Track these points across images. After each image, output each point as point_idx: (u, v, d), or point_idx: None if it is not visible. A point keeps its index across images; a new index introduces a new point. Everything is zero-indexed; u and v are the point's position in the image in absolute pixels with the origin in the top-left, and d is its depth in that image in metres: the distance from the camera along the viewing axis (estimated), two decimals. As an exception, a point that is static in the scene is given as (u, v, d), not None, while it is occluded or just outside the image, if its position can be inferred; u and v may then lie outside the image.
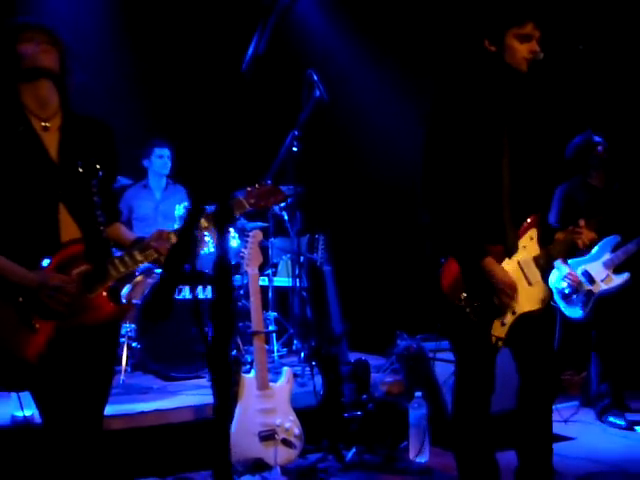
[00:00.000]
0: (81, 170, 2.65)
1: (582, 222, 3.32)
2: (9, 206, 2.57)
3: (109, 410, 2.81)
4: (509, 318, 3.10)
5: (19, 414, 3.75)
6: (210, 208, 2.62)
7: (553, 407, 3.31)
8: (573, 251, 4.77)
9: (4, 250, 2.54)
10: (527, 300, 3.14)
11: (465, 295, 3.04)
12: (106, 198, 2.75)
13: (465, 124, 3.07)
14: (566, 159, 5.10)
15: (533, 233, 3.21)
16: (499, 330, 3.09)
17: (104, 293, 2.63)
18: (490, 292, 3.06)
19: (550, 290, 3.39)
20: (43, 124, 2.66)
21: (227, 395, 1.38)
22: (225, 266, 1.42)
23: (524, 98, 3.22)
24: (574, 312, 4.86)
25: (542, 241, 3.23)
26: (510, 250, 3.14)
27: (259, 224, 5.74)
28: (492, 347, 3.10)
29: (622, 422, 4.82)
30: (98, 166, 2.69)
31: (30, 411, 3.65)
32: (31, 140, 2.62)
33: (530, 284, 3.16)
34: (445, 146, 3.08)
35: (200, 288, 5.08)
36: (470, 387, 3.17)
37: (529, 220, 3.19)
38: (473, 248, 3.06)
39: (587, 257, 4.89)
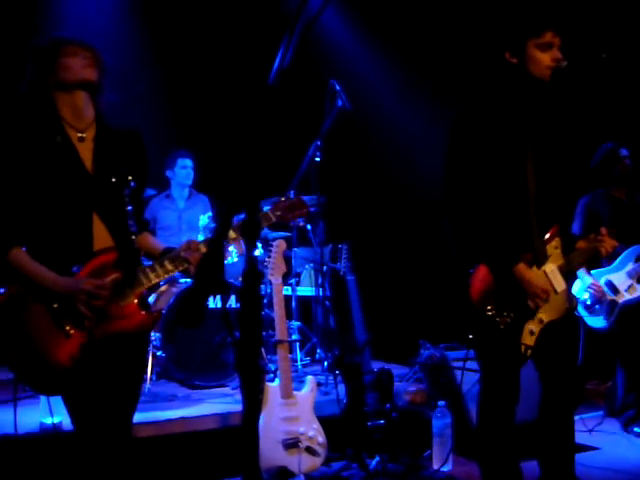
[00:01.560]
0: (114, 180, 2.71)
1: (604, 230, 3.33)
2: (45, 214, 2.63)
3: (136, 417, 2.83)
4: (538, 327, 3.11)
5: (48, 421, 3.80)
6: (237, 219, 2.68)
7: (578, 417, 3.31)
8: (596, 262, 4.79)
9: (37, 256, 2.61)
10: (554, 309, 3.15)
11: (494, 305, 3.06)
12: (137, 208, 2.82)
13: (489, 134, 3.09)
14: (591, 169, 5.08)
15: (557, 242, 3.22)
16: (529, 339, 3.10)
17: (135, 301, 2.67)
18: (521, 299, 3.07)
19: (575, 298, 3.39)
20: (79, 135, 2.73)
21: (257, 402, 1.42)
22: (254, 275, 1.46)
23: (548, 107, 3.23)
24: (597, 322, 4.85)
25: (565, 250, 3.24)
26: (540, 259, 3.15)
27: (282, 234, 5.77)
28: (521, 356, 3.11)
29: (647, 433, 4.80)
30: (130, 177, 2.75)
31: (59, 418, 3.71)
32: (67, 150, 2.69)
33: (556, 293, 3.16)
34: (469, 156, 3.09)
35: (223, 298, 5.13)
36: (496, 397, 3.17)
37: (552, 229, 3.20)
38: (505, 254, 3.07)
39: (610, 267, 4.88)
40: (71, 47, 2.69)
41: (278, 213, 2.94)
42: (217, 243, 1.59)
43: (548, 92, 3.17)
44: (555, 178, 3.21)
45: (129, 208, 2.72)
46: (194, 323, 1.48)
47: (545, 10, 3.12)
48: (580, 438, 3.37)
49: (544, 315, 3.12)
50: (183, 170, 6.04)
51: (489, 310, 3.05)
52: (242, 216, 1.67)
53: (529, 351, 3.09)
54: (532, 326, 3.10)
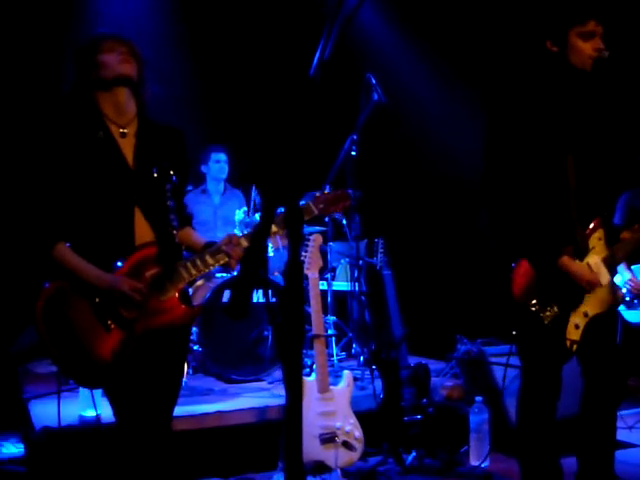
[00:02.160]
0: (156, 175, 2.73)
1: (637, 227, 3.29)
2: (88, 209, 2.66)
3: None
4: (583, 320, 3.07)
5: (87, 414, 3.85)
6: (279, 212, 2.67)
7: (618, 413, 3.27)
8: (638, 257, 4.70)
9: (81, 251, 2.64)
10: (599, 302, 3.12)
11: (538, 300, 3.02)
12: (179, 203, 2.84)
13: (528, 126, 3.06)
14: (638, 163, 4.99)
15: (600, 234, 3.17)
16: (574, 333, 3.06)
17: (176, 295, 2.69)
18: (565, 293, 3.04)
19: (620, 291, 3.35)
20: (121, 130, 2.75)
21: (299, 394, 1.42)
22: (298, 268, 1.46)
23: (589, 98, 3.18)
24: (635, 316, 4.78)
25: (609, 242, 3.19)
26: (581, 251, 3.11)
27: (317, 228, 5.77)
28: (566, 352, 3.07)
29: (688, 430, 4.72)
30: (172, 172, 2.76)
31: (99, 410, 3.75)
32: (109, 146, 2.71)
33: (601, 285, 3.12)
34: (508, 148, 3.06)
35: (261, 292, 5.14)
36: (538, 393, 3.15)
37: (595, 221, 3.16)
38: (548, 248, 3.04)
39: (652, 264, 4.81)
40: (108, 43, 2.71)
41: (321, 206, 2.93)
42: (261, 237, 1.59)
43: (589, 82, 3.12)
44: (596, 170, 3.17)
45: (171, 203, 2.74)
46: (240, 315, 1.49)
47: None
48: (619, 435, 3.32)
49: (589, 308, 3.09)
50: (217, 164, 6.06)
51: (533, 305, 3.02)
52: (281, 210, 1.67)
53: (575, 346, 3.06)
54: (577, 320, 3.07)
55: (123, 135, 2.75)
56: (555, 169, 3.08)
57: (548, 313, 3.02)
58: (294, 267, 1.44)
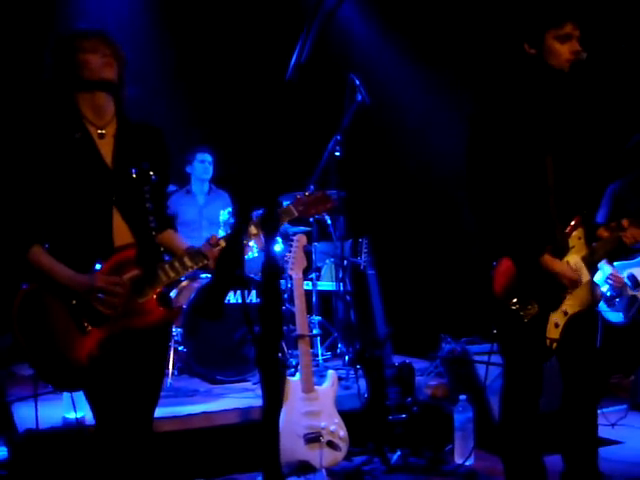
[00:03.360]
0: (134, 176, 2.71)
1: (625, 222, 3.30)
2: (65, 210, 2.64)
3: (157, 412, 2.86)
4: (562, 319, 3.09)
5: (70, 416, 3.84)
6: (257, 214, 2.67)
7: (600, 411, 3.29)
8: (621, 253, 4.73)
9: (59, 254, 2.63)
10: (578, 300, 3.14)
11: (518, 298, 3.04)
12: (158, 204, 2.82)
13: (507, 127, 3.07)
14: (624, 153, 5.00)
15: (580, 233, 3.19)
16: (554, 332, 3.08)
17: (154, 297, 2.68)
18: (545, 292, 3.05)
19: (599, 289, 3.37)
20: (99, 132, 2.72)
21: (277, 397, 1.42)
22: (273, 270, 1.46)
23: (567, 99, 3.20)
24: (616, 316, 4.80)
25: (588, 240, 3.22)
26: (561, 250, 3.13)
27: (302, 229, 5.77)
28: (546, 350, 3.09)
29: (671, 426, 4.75)
30: (151, 172, 2.75)
31: (81, 413, 3.74)
32: (87, 147, 2.69)
33: (580, 284, 3.14)
34: (489, 149, 3.08)
35: (245, 292, 5.14)
36: (520, 391, 3.16)
37: (575, 220, 3.18)
38: (530, 246, 3.05)
39: (635, 261, 4.82)
40: (91, 42, 2.67)
41: (300, 208, 2.93)
42: (236, 238, 1.60)
43: (567, 84, 3.14)
44: (575, 170, 3.19)
45: (149, 204, 2.72)
46: (214, 317, 1.49)
47: (565, 1, 3.10)
48: (603, 432, 3.35)
49: (569, 307, 3.11)
50: (201, 165, 6.06)
51: (513, 304, 3.04)
52: (262, 211, 1.67)
53: (554, 344, 3.08)
54: (557, 319, 3.09)
55: (101, 136, 2.72)
56: (534, 169, 3.10)
57: (528, 312, 3.04)
58: (269, 268, 1.45)
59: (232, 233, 1.69)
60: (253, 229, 2.75)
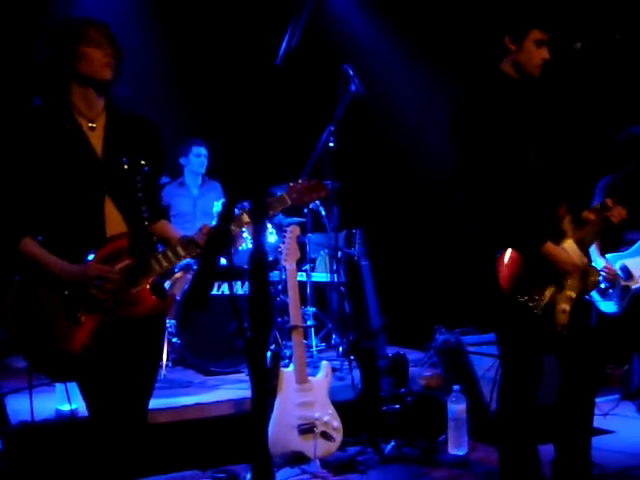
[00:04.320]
0: (126, 167, 2.71)
1: (609, 201, 3.33)
2: (57, 201, 2.63)
3: (152, 404, 2.86)
4: (569, 304, 3.10)
5: (64, 408, 3.83)
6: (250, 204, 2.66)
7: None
8: (613, 245, 4.74)
9: (52, 244, 2.62)
10: (578, 285, 3.17)
11: (526, 290, 3.04)
12: (151, 194, 2.81)
13: (491, 119, 3.10)
14: (617, 147, 5.01)
15: (569, 218, 3.22)
16: (563, 318, 3.09)
17: (147, 287, 2.68)
18: (550, 280, 3.06)
19: (597, 272, 3.38)
20: (90, 124, 2.71)
21: (265, 388, 1.41)
22: (261, 260, 1.46)
23: (542, 93, 3.24)
24: (608, 307, 4.81)
25: (577, 225, 3.24)
26: (557, 236, 3.15)
27: (296, 219, 5.77)
28: (557, 337, 3.11)
29: (663, 416, 4.77)
30: (143, 162, 2.74)
31: (75, 405, 3.74)
32: (78, 137, 2.68)
33: (584, 267, 3.17)
34: (477, 141, 3.08)
35: (239, 284, 5.14)
36: (521, 382, 3.17)
37: (562, 209, 3.21)
38: (532, 237, 3.06)
39: (627, 252, 4.83)
40: (95, 34, 2.64)
41: (294, 196, 2.93)
42: (222, 227, 1.59)
43: (535, 85, 3.19)
44: (554, 160, 3.21)
45: (141, 194, 2.72)
46: (199, 307, 1.48)
47: (555, 12, 3.14)
48: (595, 422, 3.35)
49: (572, 292, 3.12)
50: (197, 158, 6.05)
51: (522, 296, 3.04)
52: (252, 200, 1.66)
53: (565, 330, 3.09)
54: (564, 305, 3.10)
55: (92, 128, 2.71)
56: (520, 159, 3.12)
57: (537, 303, 3.04)
58: (257, 258, 1.44)
59: (218, 223, 1.68)
60: (246, 217, 2.74)
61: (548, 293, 3.08)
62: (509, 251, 3.08)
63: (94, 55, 2.63)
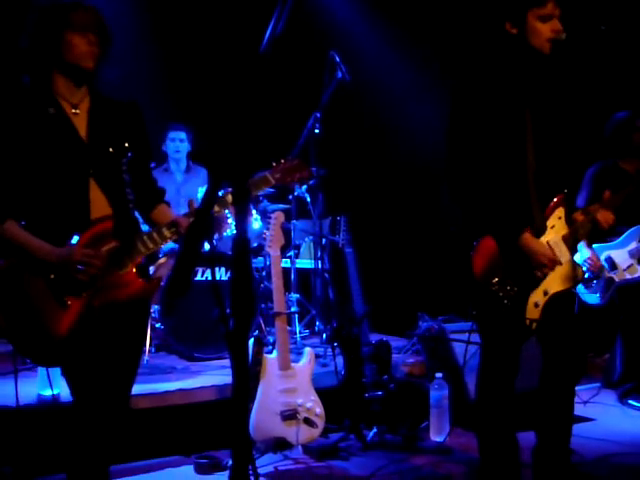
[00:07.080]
0: (111, 150, 2.70)
1: (607, 193, 3.33)
2: (41, 184, 2.62)
3: (135, 389, 2.86)
4: (542, 299, 3.10)
5: (46, 393, 3.82)
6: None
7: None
8: (600, 235, 4.74)
9: (36, 227, 2.61)
10: (560, 280, 3.15)
11: (498, 279, 3.04)
12: (139, 177, 2.81)
13: (488, 106, 3.07)
14: (604, 137, 5.00)
15: (560, 212, 3.20)
16: (533, 312, 3.09)
17: (133, 269, 2.68)
18: (525, 272, 3.06)
19: (581, 269, 3.38)
20: (73, 111, 2.71)
21: (246, 374, 1.41)
22: (243, 245, 1.45)
23: (547, 79, 3.20)
24: (592, 298, 4.83)
25: (569, 220, 3.23)
26: (538, 231, 3.14)
27: (281, 206, 5.76)
28: (526, 330, 3.10)
29: (644, 405, 4.80)
30: (127, 144, 2.73)
31: (57, 390, 3.73)
32: (62, 121, 2.67)
33: (560, 264, 3.15)
34: (470, 128, 3.07)
35: (223, 270, 5.13)
36: (497, 370, 3.18)
37: (555, 199, 3.19)
38: (510, 224, 3.06)
39: (613, 243, 4.84)
40: (82, 20, 2.63)
41: (277, 175, 2.92)
42: (204, 211, 1.58)
43: (547, 64, 3.14)
44: (554, 150, 3.19)
45: (126, 177, 2.71)
46: (180, 292, 1.48)
47: None
48: (576, 410, 3.38)
49: (549, 287, 3.12)
50: (172, 143, 6.01)
51: (493, 285, 3.04)
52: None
53: (534, 324, 3.09)
54: (537, 299, 3.10)
55: (75, 113, 2.71)
56: (514, 149, 3.10)
57: (508, 292, 3.04)
58: (239, 243, 1.44)
59: (199, 208, 1.67)
60: (229, 198, 2.73)
61: (520, 285, 3.07)
62: (486, 239, 3.09)
63: (77, 43, 2.62)
